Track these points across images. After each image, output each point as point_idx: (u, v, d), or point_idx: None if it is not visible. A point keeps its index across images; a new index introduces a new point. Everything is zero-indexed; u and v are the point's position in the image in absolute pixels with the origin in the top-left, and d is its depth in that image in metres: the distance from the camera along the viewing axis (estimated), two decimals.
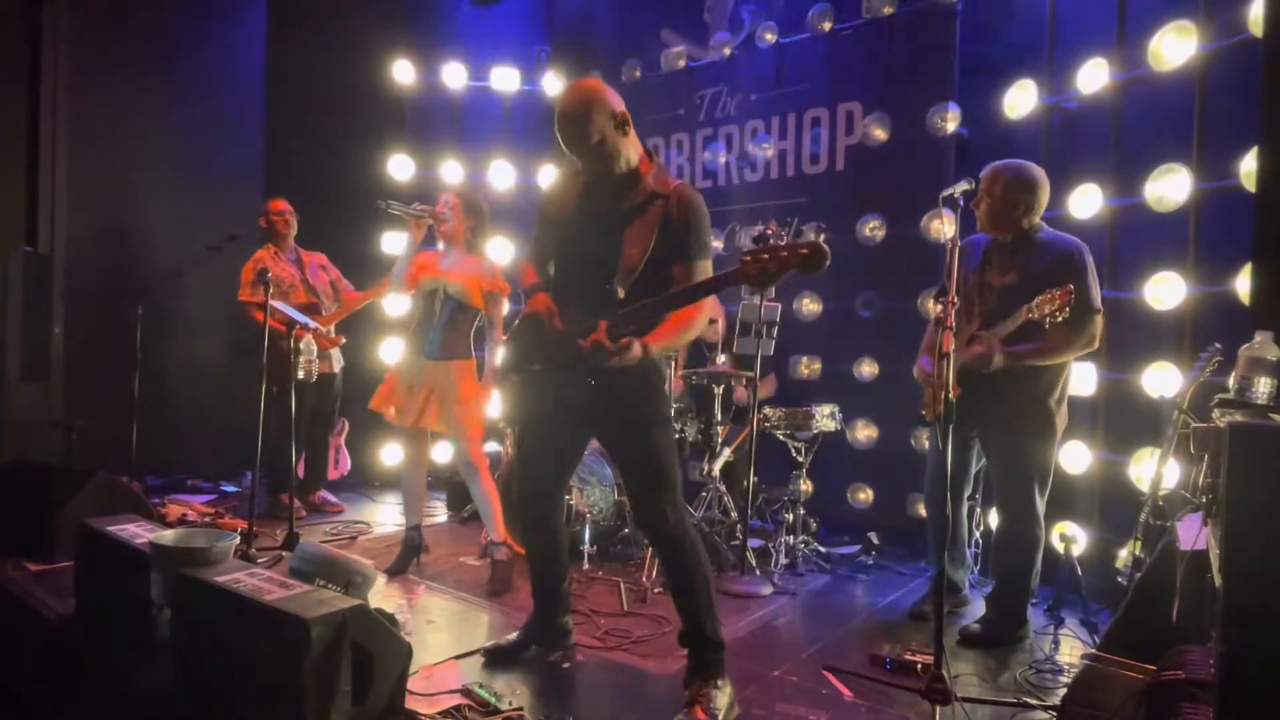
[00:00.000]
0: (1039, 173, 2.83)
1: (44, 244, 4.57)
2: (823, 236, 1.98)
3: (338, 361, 4.51)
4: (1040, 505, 2.81)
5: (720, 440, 3.81)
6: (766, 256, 1.93)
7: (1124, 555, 2.90)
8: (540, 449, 2.45)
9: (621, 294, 2.14)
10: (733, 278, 2.02)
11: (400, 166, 5.28)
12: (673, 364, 3.66)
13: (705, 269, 2.19)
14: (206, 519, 3.95)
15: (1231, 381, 1.78)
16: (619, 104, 2.15)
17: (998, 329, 2.68)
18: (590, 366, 2.12)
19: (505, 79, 5.42)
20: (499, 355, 3.23)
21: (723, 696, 2.17)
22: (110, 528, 2.51)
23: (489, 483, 3.34)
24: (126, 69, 4.95)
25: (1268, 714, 1.12)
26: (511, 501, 3.58)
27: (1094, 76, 3.43)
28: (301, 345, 3.59)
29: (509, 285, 3.29)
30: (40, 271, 4.27)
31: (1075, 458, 3.35)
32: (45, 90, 4.59)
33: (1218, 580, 1.22)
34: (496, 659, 2.52)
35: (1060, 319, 2.54)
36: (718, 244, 4.88)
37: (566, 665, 2.52)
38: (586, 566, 3.43)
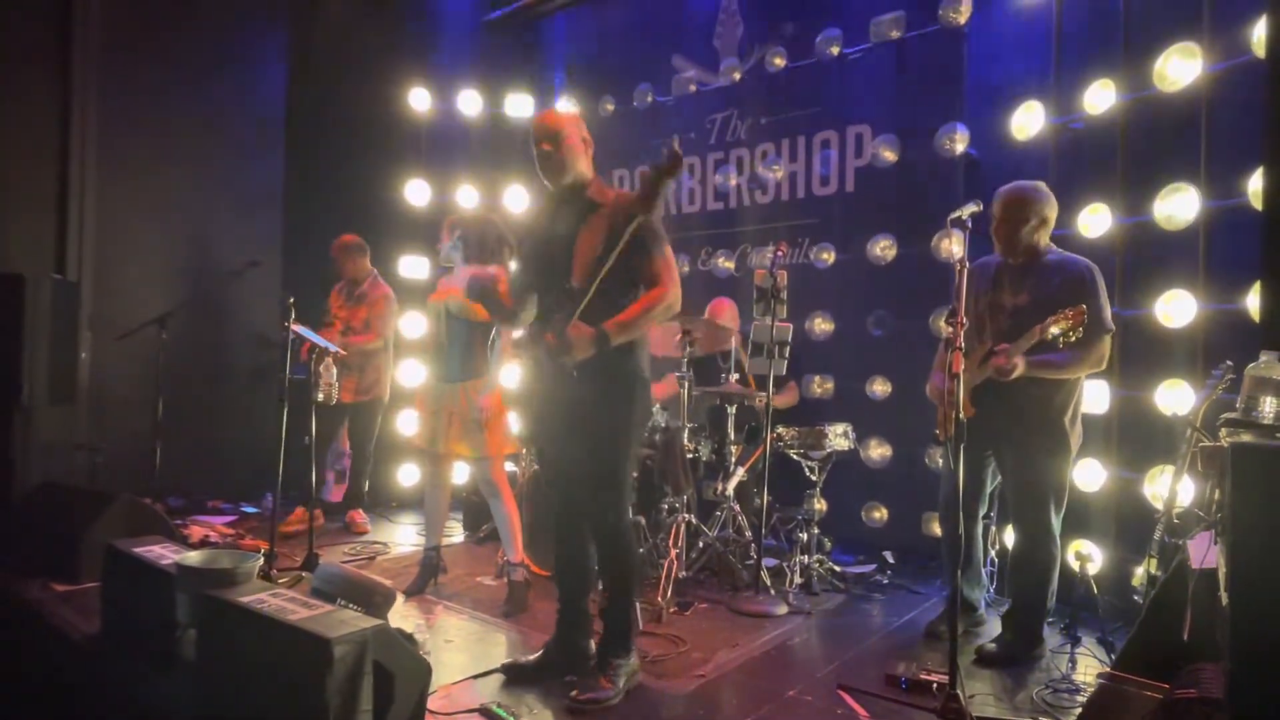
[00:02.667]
0: (1046, 192, 2.86)
1: (72, 271, 4.69)
2: (678, 140, 2.23)
3: (363, 392, 4.57)
4: (1056, 524, 2.82)
5: (734, 459, 3.83)
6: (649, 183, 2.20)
7: (1140, 573, 2.90)
8: (559, 464, 2.60)
9: (577, 286, 2.34)
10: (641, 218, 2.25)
11: (417, 192, 5.38)
12: (686, 384, 3.69)
13: (663, 254, 2.41)
14: (228, 540, 4.01)
15: (1238, 401, 1.80)
16: (584, 129, 2.55)
17: (1015, 345, 2.69)
18: (575, 370, 2.34)
19: (519, 105, 5.53)
20: (502, 370, 3.29)
21: (626, 668, 2.47)
22: (135, 549, 2.56)
23: (510, 503, 3.37)
24: (152, 101, 5.10)
25: None
26: (530, 522, 3.62)
27: (1100, 97, 3.47)
28: (321, 369, 3.65)
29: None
30: (68, 298, 4.38)
31: (1090, 476, 3.34)
32: (74, 122, 4.74)
33: (1225, 599, 1.23)
34: (515, 677, 2.56)
35: (1074, 339, 2.56)
36: (729, 264, 4.93)
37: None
38: (601, 587, 3.44)
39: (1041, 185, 2.89)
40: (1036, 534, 2.81)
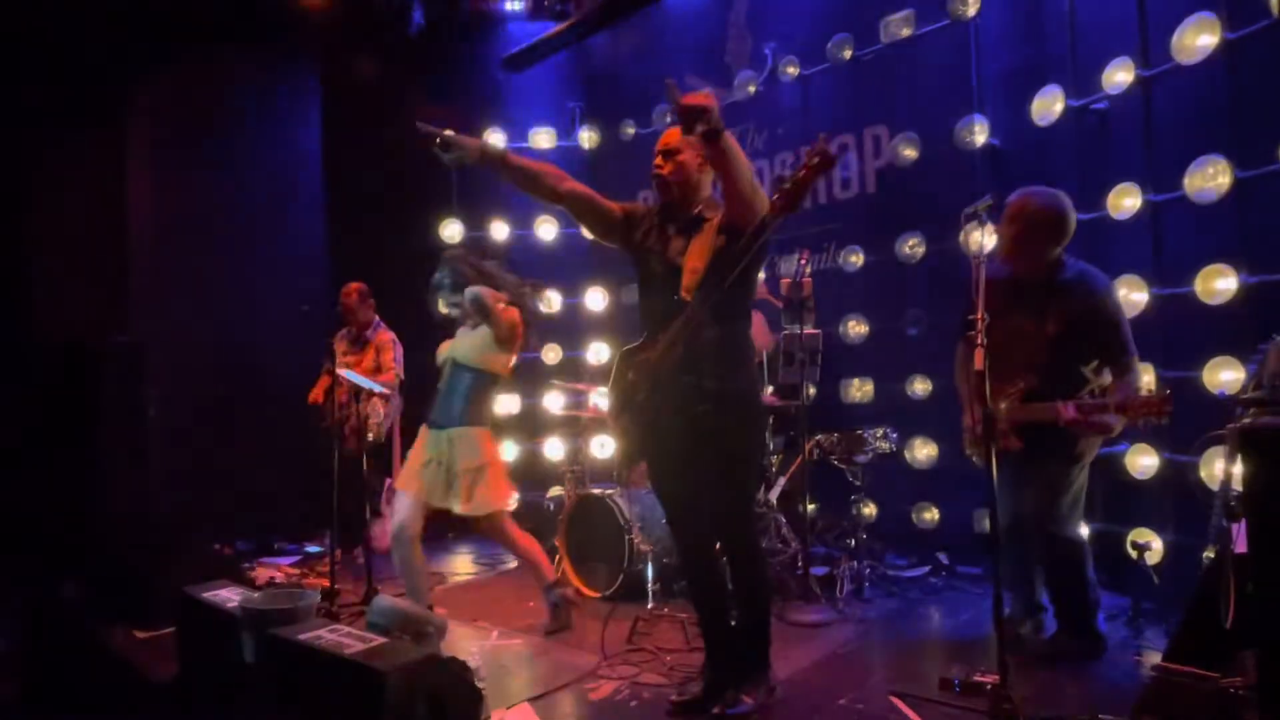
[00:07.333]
0: (1067, 202, 2.73)
1: (134, 333, 4.97)
2: (824, 137, 2.17)
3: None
4: (1076, 516, 2.75)
5: (774, 469, 3.83)
6: (788, 186, 2.18)
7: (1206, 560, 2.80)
8: (678, 500, 2.57)
9: (688, 298, 2.34)
10: (771, 220, 2.25)
11: (451, 231, 5.56)
12: None
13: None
14: (293, 579, 4.17)
15: (1263, 379, 1.75)
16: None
17: (1086, 406, 2.57)
18: (689, 393, 2.34)
19: (543, 138, 5.68)
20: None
21: (765, 684, 2.48)
22: (205, 594, 2.70)
23: (522, 539, 3.34)
24: (200, 170, 5.41)
25: None
26: (576, 545, 3.67)
27: (1120, 76, 3.41)
28: (368, 409, 3.79)
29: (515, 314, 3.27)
30: (132, 359, 4.64)
31: (1142, 461, 3.25)
32: (132, 195, 5.06)
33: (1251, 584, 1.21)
34: (685, 711, 2.48)
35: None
36: (760, 274, 4.95)
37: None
38: (651, 605, 3.48)
39: (1062, 195, 2.74)
40: (1055, 532, 2.73)
